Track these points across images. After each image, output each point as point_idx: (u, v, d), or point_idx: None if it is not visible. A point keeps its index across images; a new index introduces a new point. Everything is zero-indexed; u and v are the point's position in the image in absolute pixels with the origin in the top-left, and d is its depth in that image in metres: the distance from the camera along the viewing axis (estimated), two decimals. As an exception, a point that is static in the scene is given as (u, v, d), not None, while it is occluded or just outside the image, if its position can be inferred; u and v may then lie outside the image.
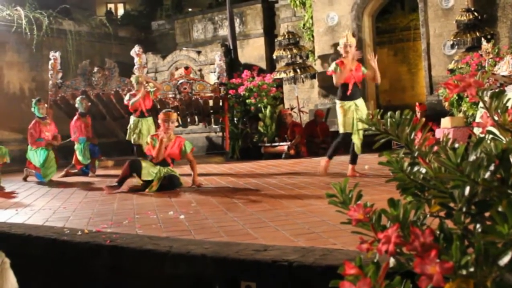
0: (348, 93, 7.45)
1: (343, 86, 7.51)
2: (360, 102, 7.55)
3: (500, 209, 1.17)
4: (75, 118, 10.76)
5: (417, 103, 11.30)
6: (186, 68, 13.36)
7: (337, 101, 7.64)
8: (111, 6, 22.74)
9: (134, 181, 7.55)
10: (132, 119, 10.03)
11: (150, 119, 10.07)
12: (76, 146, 10.57)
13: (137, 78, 10.03)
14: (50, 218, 5.43)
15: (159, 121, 7.63)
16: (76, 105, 10.97)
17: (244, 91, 12.46)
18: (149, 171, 7.32)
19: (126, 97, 10.17)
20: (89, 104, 11.33)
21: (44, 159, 9.37)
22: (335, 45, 10.93)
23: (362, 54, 7.80)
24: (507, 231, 1.13)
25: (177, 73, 14.67)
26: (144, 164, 7.39)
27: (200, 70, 14.66)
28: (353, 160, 7.57)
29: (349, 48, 7.52)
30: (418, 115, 10.69)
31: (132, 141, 10.01)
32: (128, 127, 10.11)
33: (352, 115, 7.39)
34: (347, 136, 7.55)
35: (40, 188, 8.65)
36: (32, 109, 9.79)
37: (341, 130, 7.65)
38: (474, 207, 1.26)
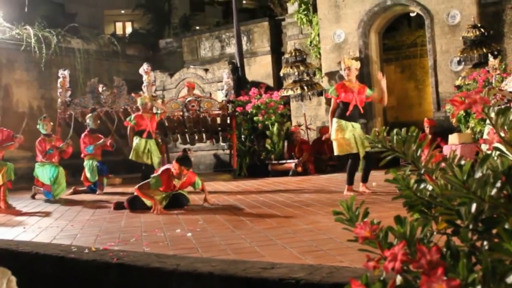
0: (347, 113, 7.41)
1: (344, 104, 7.48)
2: (357, 125, 7.48)
3: (507, 226, 1.17)
4: (84, 133, 10.83)
5: (425, 119, 11.30)
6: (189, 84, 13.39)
7: (335, 119, 7.50)
8: (119, 24, 22.93)
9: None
10: (138, 139, 9.90)
11: (153, 141, 10.08)
12: (85, 163, 10.60)
13: (143, 100, 10.04)
14: (57, 235, 5.43)
15: (172, 169, 7.07)
16: (87, 122, 11.03)
17: (252, 109, 12.50)
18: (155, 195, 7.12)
19: (131, 118, 10.11)
20: (99, 121, 11.39)
21: (56, 175, 9.39)
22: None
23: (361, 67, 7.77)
24: (514, 248, 1.13)
25: (183, 91, 14.71)
26: (144, 199, 7.12)
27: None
28: (365, 178, 7.54)
29: (348, 70, 7.54)
30: (427, 130, 10.69)
31: (143, 161, 9.89)
32: (134, 147, 9.93)
33: (351, 135, 7.33)
34: (355, 156, 7.49)
35: (47, 205, 8.66)
36: (38, 126, 9.88)
37: (338, 152, 7.51)
38: (481, 224, 1.26)
